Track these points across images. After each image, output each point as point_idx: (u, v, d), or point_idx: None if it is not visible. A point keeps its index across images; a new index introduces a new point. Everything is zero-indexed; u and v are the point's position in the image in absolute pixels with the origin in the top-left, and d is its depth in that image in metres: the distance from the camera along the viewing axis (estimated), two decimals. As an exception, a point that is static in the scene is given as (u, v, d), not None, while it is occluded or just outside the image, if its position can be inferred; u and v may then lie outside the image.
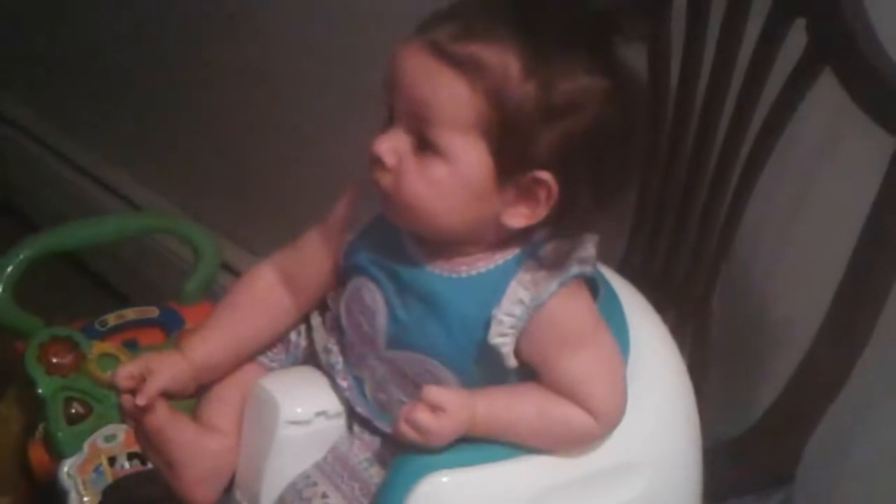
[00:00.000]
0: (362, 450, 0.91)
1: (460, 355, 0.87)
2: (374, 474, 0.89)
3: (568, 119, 0.82)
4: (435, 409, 0.83)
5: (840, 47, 0.98)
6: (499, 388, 0.87)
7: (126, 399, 0.91)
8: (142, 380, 0.90)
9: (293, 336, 0.98)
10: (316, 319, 0.96)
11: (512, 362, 0.86)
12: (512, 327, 0.85)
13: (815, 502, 1.17)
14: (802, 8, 1.01)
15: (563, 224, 0.86)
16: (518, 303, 0.85)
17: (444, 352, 0.87)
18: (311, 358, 0.96)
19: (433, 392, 0.83)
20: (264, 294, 0.96)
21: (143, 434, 0.93)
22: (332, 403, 0.92)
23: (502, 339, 0.85)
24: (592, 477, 0.89)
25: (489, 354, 0.86)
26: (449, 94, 0.81)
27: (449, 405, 0.83)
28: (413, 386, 0.88)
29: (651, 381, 0.95)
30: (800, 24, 1.01)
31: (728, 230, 1.11)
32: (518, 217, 0.85)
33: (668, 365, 1.00)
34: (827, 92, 1.01)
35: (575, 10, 0.84)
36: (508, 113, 0.81)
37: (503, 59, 0.80)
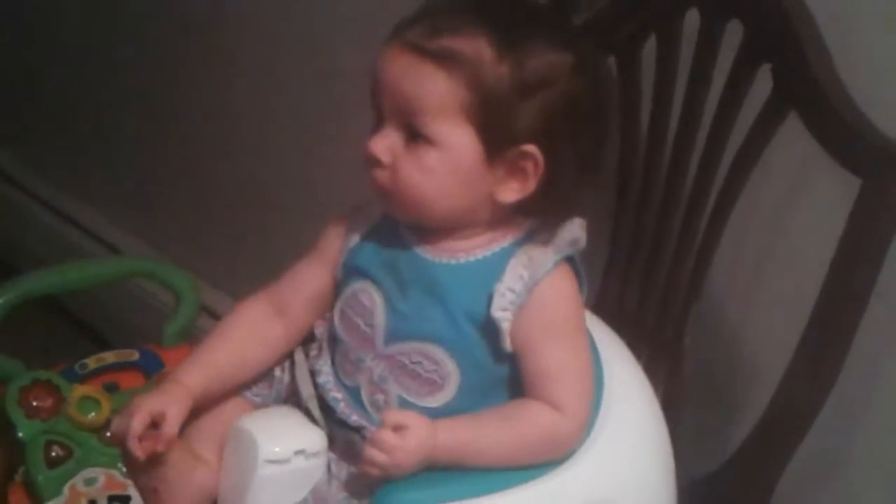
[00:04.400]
0: (340, 489, 0.92)
1: (460, 338, 0.91)
2: (354, 511, 0.91)
3: (542, 93, 0.89)
4: (398, 428, 0.86)
5: (805, 91, 1.00)
6: (461, 415, 0.90)
7: (135, 446, 0.91)
8: (153, 425, 0.91)
9: (277, 372, 1.00)
10: (299, 355, 0.99)
11: (508, 344, 0.90)
12: (512, 303, 0.90)
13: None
14: (768, 53, 1.03)
15: (552, 199, 0.91)
16: (518, 278, 0.90)
17: (444, 336, 0.91)
18: (293, 395, 0.98)
19: (394, 413, 0.88)
20: (256, 325, 0.99)
21: (133, 460, 0.93)
22: (310, 442, 0.93)
23: (503, 313, 0.90)
24: (568, 513, 0.90)
25: (487, 335, 0.91)
26: (431, 86, 0.88)
27: (410, 423, 0.86)
28: (411, 377, 0.92)
29: (625, 418, 0.97)
30: (766, 69, 1.04)
31: (699, 270, 1.13)
32: (510, 192, 0.91)
33: (642, 403, 1.01)
34: (794, 135, 1.03)
35: None
36: (487, 95, 0.87)
37: (475, 47, 0.87)
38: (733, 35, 1.06)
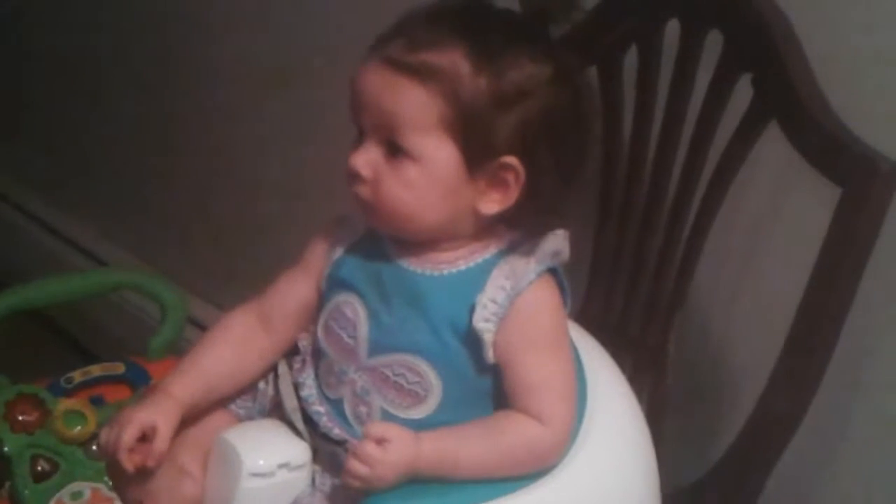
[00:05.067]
0: (323, 501, 0.92)
1: (443, 350, 0.91)
2: (337, 525, 0.91)
3: (521, 105, 0.89)
4: (380, 441, 0.86)
5: (784, 101, 1.01)
6: (444, 427, 0.90)
7: (125, 459, 0.91)
8: (143, 437, 0.91)
9: (261, 384, 1.00)
10: (283, 367, 0.99)
11: (490, 355, 0.90)
12: (494, 314, 0.90)
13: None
14: (748, 63, 1.04)
15: (534, 210, 0.92)
16: (500, 289, 0.90)
17: (427, 348, 0.91)
18: (277, 408, 0.98)
19: (376, 426, 0.88)
20: (243, 337, 0.99)
21: (120, 472, 0.93)
22: (294, 455, 0.93)
23: (485, 324, 0.90)
24: (552, 524, 0.90)
25: (470, 346, 0.91)
26: (409, 101, 0.88)
27: (393, 436, 0.87)
28: (394, 390, 0.92)
29: (609, 428, 0.97)
30: (746, 78, 1.04)
31: (682, 278, 1.13)
32: (492, 203, 0.91)
33: (626, 412, 1.02)
34: (774, 143, 1.04)
35: (510, 9, 0.93)
36: (465, 108, 0.88)
37: (453, 61, 0.88)
38: (714, 45, 1.06)
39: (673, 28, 1.10)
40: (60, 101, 2.09)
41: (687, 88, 1.10)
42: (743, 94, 1.05)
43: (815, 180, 1.01)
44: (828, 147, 0.99)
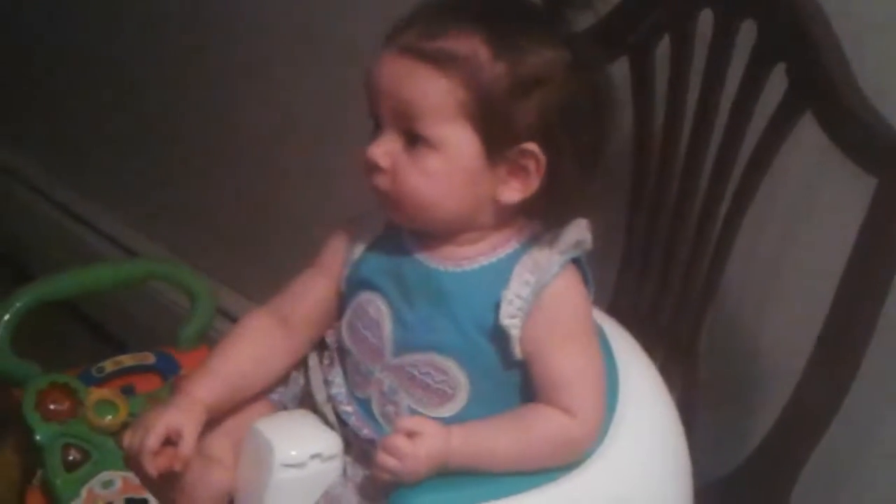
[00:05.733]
0: (355, 493, 0.92)
1: (468, 346, 0.90)
2: (368, 516, 0.91)
3: (540, 91, 0.88)
4: (411, 434, 0.86)
5: (820, 91, 1.00)
6: (474, 420, 0.90)
7: (150, 464, 0.90)
8: (167, 441, 0.91)
9: (293, 372, 1.00)
10: (313, 360, 0.99)
11: (518, 351, 0.89)
12: (520, 309, 0.89)
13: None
14: (783, 53, 1.03)
15: (555, 199, 0.91)
16: (525, 284, 0.89)
17: (452, 346, 0.90)
18: (308, 398, 0.98)
19: (408, 420, 0.88)
20: (262, 338, 0.98)
21: (145, 475, 0.92)
22: (326, 446, 0.93)
23: (512, 320, 0.89)
24: (584, 516, 0.90)
25: (497, 343, 0.90)
26: (428, 89, 0.87)
27: (424, 430, 0.86)
28: (421, 389, 0.91)
29: (641, 421, 0.97)
30: (780, 68, 1.03)
31: (714, 271, 1.12)
32: (512, 192, 0.90)
33: (658, 405, 1.01)
34: (809, 134, 1.03)
35: None
36: (485, 94, 0.87)
37: (471, 47, 0.87)
38: (747, 35, 1.06)
39: (706, 18, 1.09)
40: (93, 94, 2.10)
41: (720, 79, 1.09)
42: (777, 84, 1.04)
43: (849, 170, 1.00)
44: (863, 137, 0.98)
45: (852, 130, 0.99)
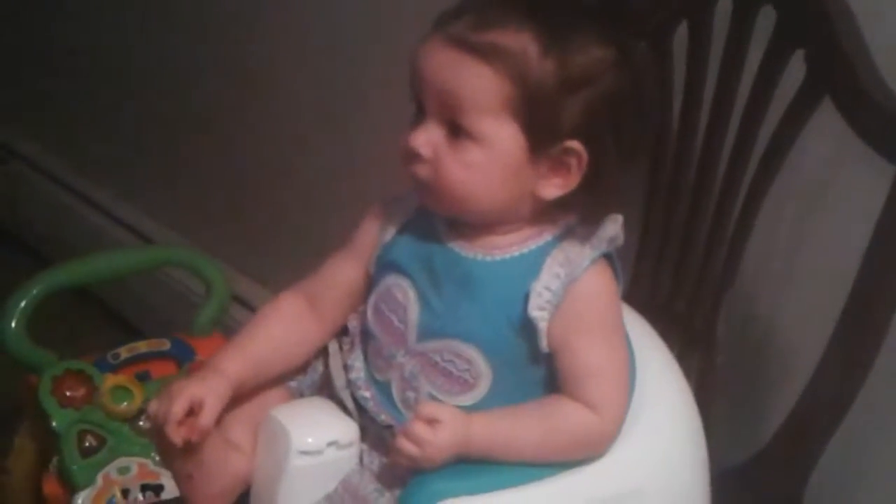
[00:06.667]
0: (372, 480, 0.92)
1: (495, 336, 0.90)
2: (385, 504, 0.91)
3: (587, 88, 0.88)
4: (431, 421, 0.85)
5: (839, 77, 0.99)
6: (496, 408, 0.90)
7: (173, 431, 0.91)
8: (191, 411, 0.91)
9: (312, 360, 1.00)
10: (333, 346, 0.99)
11: (545, 344, 0.89)
12: (549, 301, 0.89)
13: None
14: (802, 39, 1.02)
15: (593, 195, 0.91)
16: (555, 277, 0.89)
17: (478, 334, 0.90)
18: (327, 384, 0.98)
19: (429, 406, 0.88)
20: (292, 318, 0.99)
21: (168, 444, 0.93)
22: (343, 434, 0.93)
23: (540, 312, 0.89)
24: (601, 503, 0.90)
25: (524, 334, 0.90)
26: (475, 82, 0.87)
27: (444, 417, 0.86)
28: (443, 376, 0.91)
29: (658, 408, 0.96)
30: (799, 54, 1.03)
31: (731, 258, 1.12)
32: (552, 188, 0.90)
33: (675, 392, 1.01)
34: (827, 121, 1.02)
35: None
36: (532, 90, 0.86)
37: (521, 42, 0.86)
38: (766, 21, 1.05)
39: (724, 4, 1.08)
40: (108, 81, 2.10)
41: (738, 65, 1.08)
42: (795, 70, 1.03)
43: (868, 158, 0.99)
44: (882, 123, 0.97)
45: (871, 117, 0.98)
